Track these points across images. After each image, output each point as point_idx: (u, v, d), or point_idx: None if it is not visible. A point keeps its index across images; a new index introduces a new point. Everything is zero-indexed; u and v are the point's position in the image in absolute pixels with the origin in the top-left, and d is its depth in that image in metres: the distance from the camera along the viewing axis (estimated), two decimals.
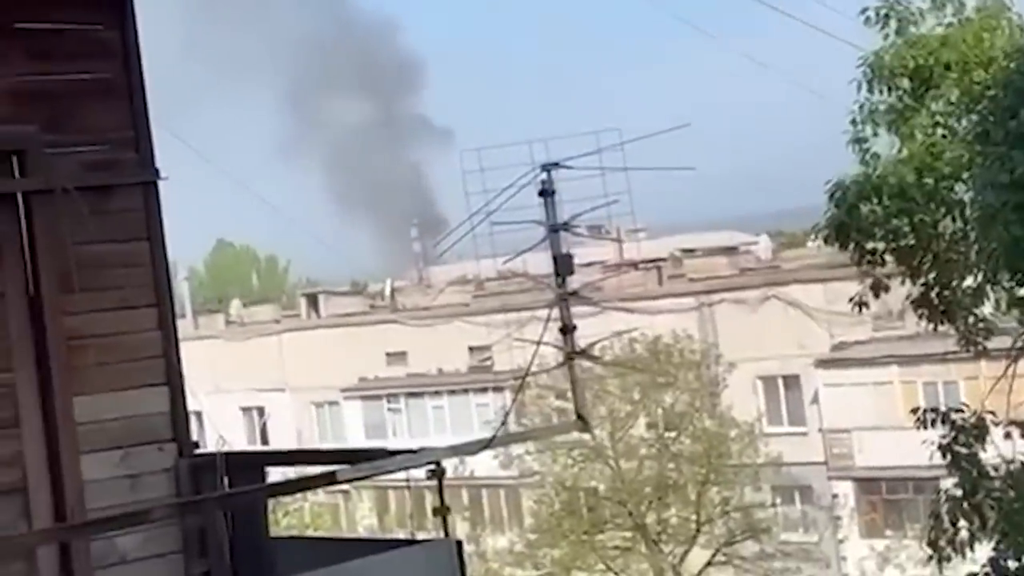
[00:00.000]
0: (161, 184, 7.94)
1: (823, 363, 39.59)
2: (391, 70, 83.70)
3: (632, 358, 35.44)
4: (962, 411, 15.89)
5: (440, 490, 7.23)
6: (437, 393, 47.11)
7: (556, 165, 7.15)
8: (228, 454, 7.91)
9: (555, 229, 7.21)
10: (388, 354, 48.10)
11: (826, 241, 16.13)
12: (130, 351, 7.73)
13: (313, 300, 54.49)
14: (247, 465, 8.15)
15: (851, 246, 15.62)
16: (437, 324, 46.81)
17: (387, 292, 53.10)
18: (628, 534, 37.23)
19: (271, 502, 10.51)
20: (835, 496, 39.72)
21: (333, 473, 7.26)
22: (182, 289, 53.38)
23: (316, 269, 67.56)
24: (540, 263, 7.51)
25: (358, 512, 46.30)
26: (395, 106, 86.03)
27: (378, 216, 77.41)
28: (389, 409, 48.25)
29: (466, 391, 46.11)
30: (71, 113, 7.72)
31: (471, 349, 46.03)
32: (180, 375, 7.90)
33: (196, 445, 7.98)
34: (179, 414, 7.89)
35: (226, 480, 7.79)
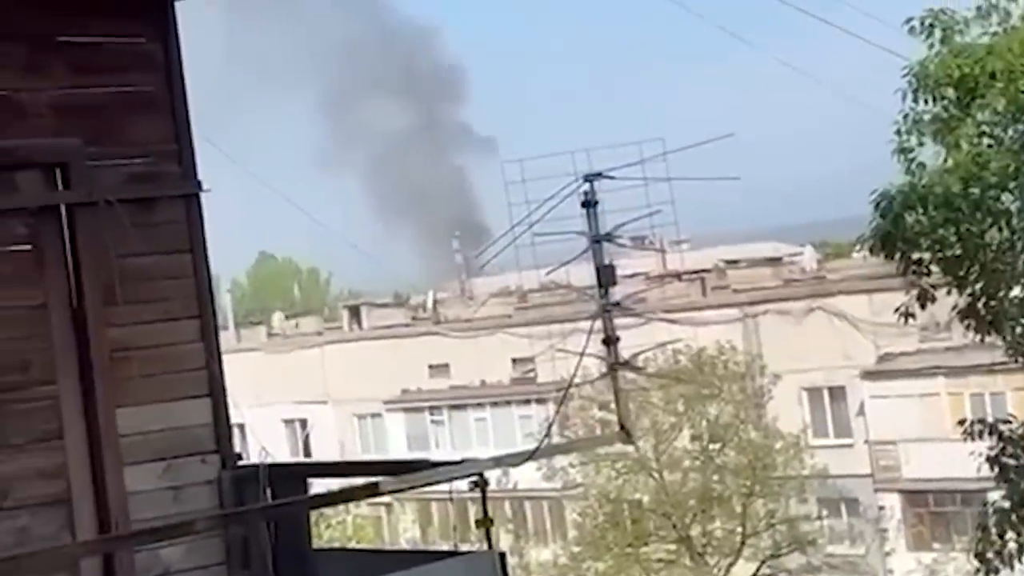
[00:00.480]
0: (203, 196, 7.97)
1: (869, 374, 39.30)
2: (431, 77, 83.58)
3: (676, 370, 35.27)
4: (1010, 422, 15.75)
5: (483, 501, 7.18)
6: (480, 405, 47.08)
7: (599, 175, 7.09)
8: (271, 466, 7.90)
9: (597, 240, 7.15)
10: (430, 366, 48.12)
11: (872, 251, 16.05)
12: (173, 363, 7.75)
13: (355, 312, 54.61)
14: (290, 477, 8.14)
15: (897, 256, 15.52)
16: (479, 336, 46.81)
17: (429, 304, 53.16)
18: (672, 547, 37.05)
19: (314, 514, 10.50)
20: (882, 508, 39.40)
21: (376, 484, 7.23)
22: (224, 301, 53.57)
23: (358, 281, 67.75)
24: (582, 274, 7.46)
25: (400, 524, 46.31)
26: (436, 113, 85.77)
27: (419, 227, 77.44)
28: (432, 421, 48.26)
29: (509, 403, 46.06)
30: (113, 126, 7.74)
31: (514, 361, 45.98)
32: (223, 387, 7.91)
33: (239, 457, 7.98)
34: (222, 426, 7.89)
35: (269, 492, 7.78)
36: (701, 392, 37.25)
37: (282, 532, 7.84)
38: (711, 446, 37.36)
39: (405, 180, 79.94)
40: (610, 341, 7.16)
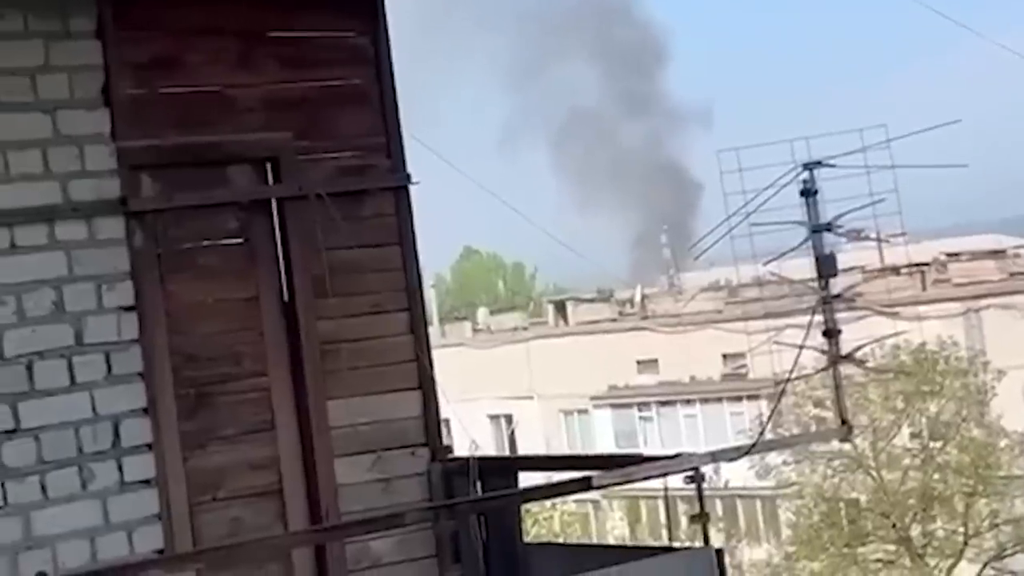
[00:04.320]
0: (411, 189, 7.94)
1: None
2: (639, 56, 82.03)
3: (895, 365, 34.29)
4: None
5: (699, 496, 6.96)
6: (689, 401, 46.59)
7: (819, 164, 6.84)
8: (481, 459, 7.83)
9: (817, 230, 6.90)
10: (638, 362, 47.80)
11: None
12: (382, 355, 7.74)
13: (561, 307, 54.59)
14: (500, 470, 8.04)
15: None
16: (689, 331, 46.32)
17: (637, 298, 52.82)
18: (892, 547, 36.06)
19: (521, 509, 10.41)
20: None
21: (589, 478, 7.07)
22: (429, 296, 54.12)
23: (563, 275, 67.60)
24: (795, 268, 7.19)
25: (608, 522, 46.15)
26: (646, 95, 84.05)
27: (627, 221, 76.88)
28: (640, 417, 47.94)
29: (720, 399, 45.47)
30: (323, 120, 7.77)
31: (724, 356, 45.37)
32: (432, 380, 7.87)
33: (448, 450, 7.93)
34: (431, 418, 7.86)
35: (479, 485, 7.71)
36: (921, 389, 36.15)
37: (492, 526, 7.75)
38: (932, 444, 36.25)
39: (612, 170, 79.15)
40: (831, 333, 6.88)
